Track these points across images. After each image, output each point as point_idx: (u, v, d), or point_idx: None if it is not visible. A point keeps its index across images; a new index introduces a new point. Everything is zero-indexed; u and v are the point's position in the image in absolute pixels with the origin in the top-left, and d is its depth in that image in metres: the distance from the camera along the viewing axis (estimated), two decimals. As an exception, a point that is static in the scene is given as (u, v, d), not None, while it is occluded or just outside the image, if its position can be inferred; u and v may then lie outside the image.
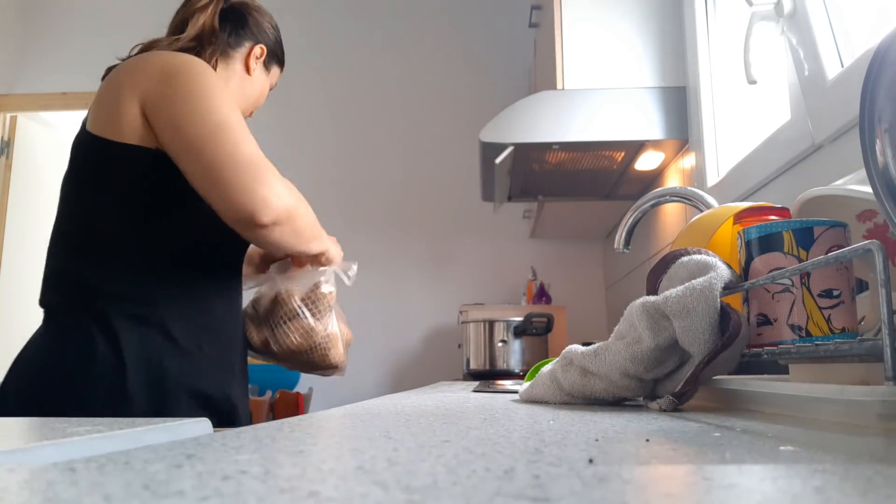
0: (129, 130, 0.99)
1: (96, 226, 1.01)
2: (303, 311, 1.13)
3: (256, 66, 1.20)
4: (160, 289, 1.02)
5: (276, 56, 1.25)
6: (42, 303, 1.05)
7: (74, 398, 0.94)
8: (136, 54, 1.11)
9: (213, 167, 0.93)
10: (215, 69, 1.12)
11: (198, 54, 1.10)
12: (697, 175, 1.64)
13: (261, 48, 1.20)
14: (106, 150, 1.00)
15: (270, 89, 1.27)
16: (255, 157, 0.95)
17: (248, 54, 1.18)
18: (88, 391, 0.95)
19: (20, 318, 3.42)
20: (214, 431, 0.44)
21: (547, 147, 1.72)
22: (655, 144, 1.72)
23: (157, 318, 1.00)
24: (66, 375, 0.96)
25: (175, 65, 1.00)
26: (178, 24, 1.15)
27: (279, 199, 0.94)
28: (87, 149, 1.04)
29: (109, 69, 1.13)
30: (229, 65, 1.16)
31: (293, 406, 2.58)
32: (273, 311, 1.14)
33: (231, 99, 1.00)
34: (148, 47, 1.14)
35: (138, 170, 1.00)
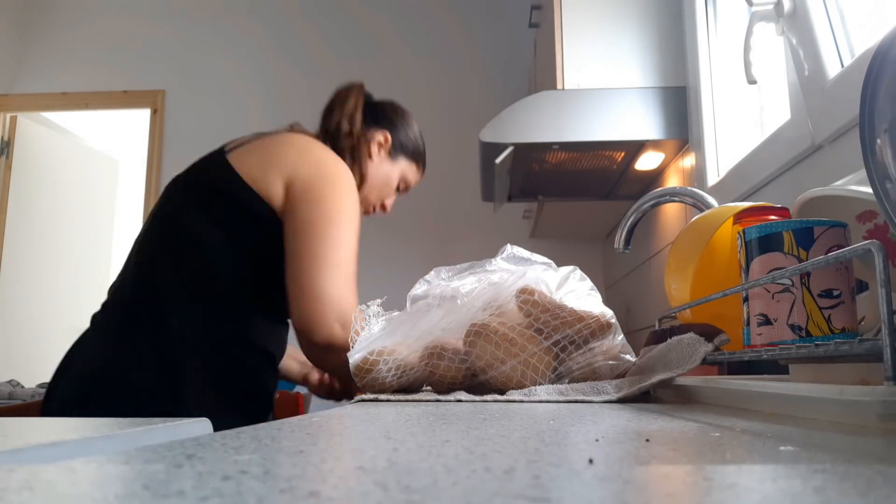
0: (272, 195, 1.08)
1: (213, 264, 1.08)
2: None
3: (379, 152, 1.27)
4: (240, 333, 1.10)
5: (405, 149, 1.31)
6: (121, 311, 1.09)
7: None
8: (300, 130, 1.23)
9: (305, 277, 1.04)
10: (344, 157, 1.21)
11: (336, 145, 1.22)
12: (697, 175, 1.64)
13: (384, 135, 1.27)
14: (250, 196, 1.08)
15: (404, 187, 1.33)
16: (343, 284, 1.06)
17: (372, 140, 1.26)
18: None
19: (20, 317, 3.41)
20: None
21: (547, 147, 1.72)
22: (655, 144, 1.72)
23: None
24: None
25: (328, 165, 1.12)
26: (326, 113, 1.27)
27: (340, 332, 1.04)
28: (227, 182, 1.10)
29: (292, 126, 1.26)
30: (357, 151, 1.25)
31: (293, 406, 2.58)
32: None
33: (357, 219, 1.11)
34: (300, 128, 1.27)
35: (266, 226, 1.09)
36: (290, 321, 1.15)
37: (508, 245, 0.98)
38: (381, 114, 1.29)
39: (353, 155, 1.23)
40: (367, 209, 1.31)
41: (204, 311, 1.06)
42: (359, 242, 1.12)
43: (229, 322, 1.07)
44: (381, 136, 1.27)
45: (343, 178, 1.12)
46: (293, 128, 1.25)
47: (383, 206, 1.33)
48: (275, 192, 1.08)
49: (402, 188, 1.34)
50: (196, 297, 1.06)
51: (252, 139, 1.17)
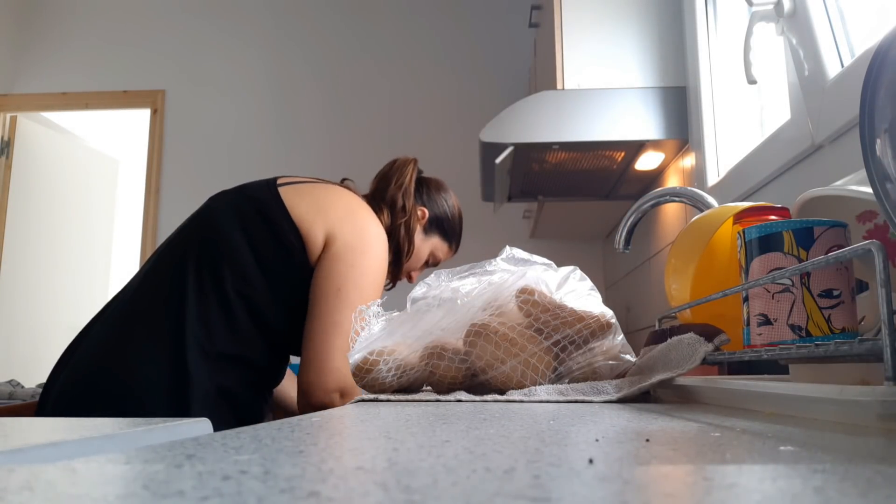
0: (314, 239, 1.11)
1: (242, 285, 1.09)
2: None
3: (415, 227, 1.29)
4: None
5: (440, 227, 1.34)
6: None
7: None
8: (351, 189, 1.25)
9: (321, 340, 1.07)
10: (399, 230, 1.26)
11: (386, 215, 1.24)
12: (697, 175, 1.63)
13: (422, 211, 1.30)
14: (297, 238, 1.10)
15: (433, 262, 1.37)
16: (345, 352, 1.03)
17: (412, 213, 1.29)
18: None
19: (20, 317, 3.41)
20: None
21: (547, 147, 1.72)
22: (655, 144, 1.72)
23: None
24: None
25: (370, 236, 1.14)
26: (381, 181, 1.30)
27: (338, 400, 1.06)
28: (278, 216, 1.12)
29: (343, 181, 1.28)
30: (410, 227, 1.27)
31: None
32: None
33: (378, 294, 1.13)
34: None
35: (298, 266, 1.11)
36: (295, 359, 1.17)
37: (507, 247, 0.98)
38: (425, 189, 1.33)
39: (406, 229, 1.26)
40: (393, 279, 1.34)
41: (220, 323, 1.07)
42: None
43: (241, 341, 1.08)
44: (419, 212, 1.30)
45: (381, 251, 1.15)
46: (344, 183, 1.28)
47: (409, 278, 1.37)
48: (315, 239, 1.10)
49: (431, 263, 1.37)
50: (217, 308, 1.07)
51: (305, 180, 1.19)
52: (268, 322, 1.10)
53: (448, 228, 1.36)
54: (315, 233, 1.10)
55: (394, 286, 1.35)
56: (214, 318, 1.06)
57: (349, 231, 1.11)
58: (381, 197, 1.26)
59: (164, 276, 1.10)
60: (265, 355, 1.12)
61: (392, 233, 1.24)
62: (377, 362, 0.85)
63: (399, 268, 1.29)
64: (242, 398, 1.10)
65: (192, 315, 1.05)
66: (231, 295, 1.07)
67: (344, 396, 1.07)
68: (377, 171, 1.35)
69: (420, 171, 1.34)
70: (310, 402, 1.08)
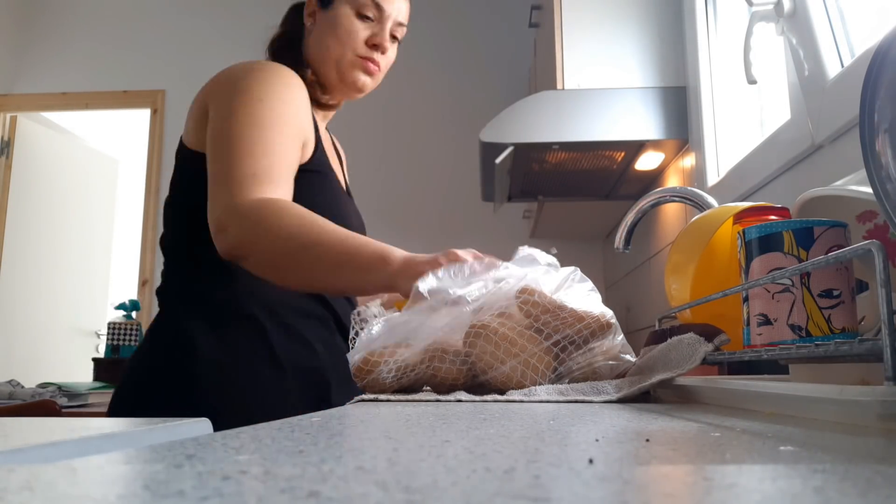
0: (196, 138, 1.00)
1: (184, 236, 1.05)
2: None
3: (314, 18, 1.12)
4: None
5: None
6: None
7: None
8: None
9: (211, 174, 0.93)
10: (301, 50, 1.11)
11: (292, 47, 1.12)
12: (697, 175, 1.64)
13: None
14: (190, 159, 1.02)
15: (376, 14, 1.09)
16: (230, 177, 0.90)
17: (305, 16, 1.14)
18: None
19: (20, 317, 3.41)
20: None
21: (547, 147, 1.72)
22: (655, 144, 1.72)
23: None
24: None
25: (232, 72, 1.01)
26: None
27: (230, 224, 0.88)
28: (179, 160, 1.07)
29: None
30: (305, 38, 1.14)
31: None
32: None
33: (265, 105, 0.95)
34: None
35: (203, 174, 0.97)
36: None
37: (521, 247, 0.96)
38: None
39: (295, 47, 1.12)
40: (358, 67, 1.10)
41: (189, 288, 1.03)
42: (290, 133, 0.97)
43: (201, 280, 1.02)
44: (308, 5, 1.13)
45: (246, 71, 0.99)
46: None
47: (373, 47, 1.09)
48: (200, 126, 1.00)
49: (376, 15, 1.09)
50: (177, 286, 1.05)
51: None
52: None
53: None
54: (203, 134, 0.99)
55: (374, 62, 1.12)
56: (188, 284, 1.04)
57: (214, 86, 1.01)
58: (274, 50, 1.15)
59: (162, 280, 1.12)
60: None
61: (300, 46, 1.12)
62: (377, 363, 0.85)
63: (343, 50, 1.09)
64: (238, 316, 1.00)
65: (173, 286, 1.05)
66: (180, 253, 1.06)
67: (231, 216, 0.88)
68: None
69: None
70: (221, 251, 0.90)
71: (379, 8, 1.09)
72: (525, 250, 0.95)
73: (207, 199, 0.92)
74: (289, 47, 1.14)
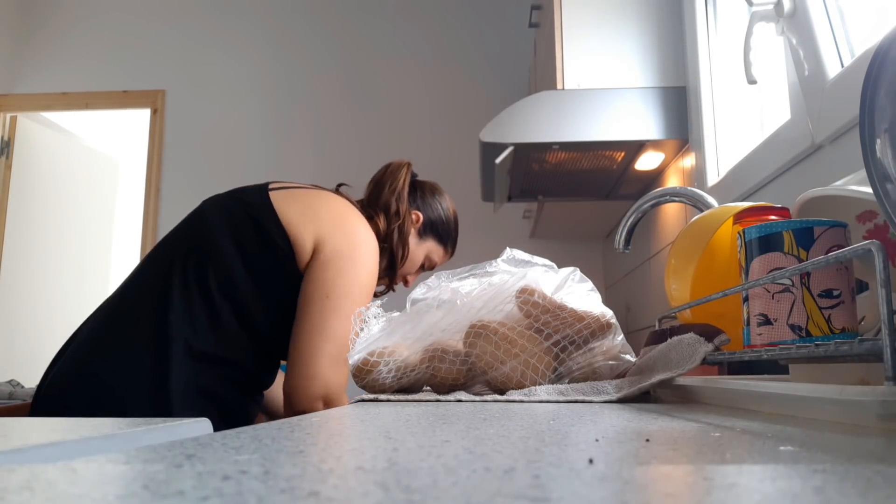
0: (303, 244, 1.10)
1: (227, 289, 1.09)
2: None
3: (409, 231, 1.29)
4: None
5: (435, 231, 1.34)
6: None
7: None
8: (344, 195, 1.23)
9: (308, 344, 1.06)
10: (393, 235, 1.25)
11: (380, 221, 1.24)
12: (697, 175, 1.63)
13: (416, 215, 1.30)
14: (285, 243, 1.09)
15: (429, 266, 1.36)
16: (336, 360, 1.06)
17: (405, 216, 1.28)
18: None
19: (20, 317, 3.41)
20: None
21: (547, 147, 1.72)
22: (655, 144, 1.72)
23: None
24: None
25: (360, 242, 1.13)
26: (374, 186, 1.29)
27: (321, 408, 1.06)
28: (262, 216, 1.12)
29: (338, 187, 1.28)
30: (404, 231, 1.27)
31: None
32: None
33: (368, 299, 1.11)
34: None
35: (286, 272, 1.10)
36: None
37: (508, 248, 0.98)
38: (419, 192, 1.33)
39: (401, 233, 1.26)
40: (389, 284, 1.34)
41: (205, 323, 1.06)
42: None
43: (226, 343, 1.08)
44: (414, 216, 1.30)
45: (371, 257, 1.14)
46: (339, 189, 1.27)
47: (406, 282, 1.35)
48: (304, 244, 1.10)
49: (427, 266, 1.36)
50: (202, 309, 1.06)
51: (297, 186, 1.19)
52: (255, 325, 1.10)
53: (443, 232, 1.35)
54: (304, 238, 1.10)
55: (391, 290, 1.35)
56: (199, 318, 1.06)
57: (339, 237, 1.11)
58: (375, 202, 1.26)
59: (152, 278, 1.10)
60: (252, 358, 1.12)
61: (386, 238, 1.24)
62: (377, 363, 0.85)
63: (394, 272, 1.29)
64: (227, 399, 1.10)
65: (178, 315, 1.05)
66: (216, 297, 1.07)
67: (328, 404, 1.07)
68: (376, 170, 1.35)
69: (414, 175, 1.34)
70: (293, 407, 1.07)
71: (431, 268, 1.36)
72: (510, 252, 0.96)
73: (299, 347, 1.07)
74: (398, 230, 1.26)
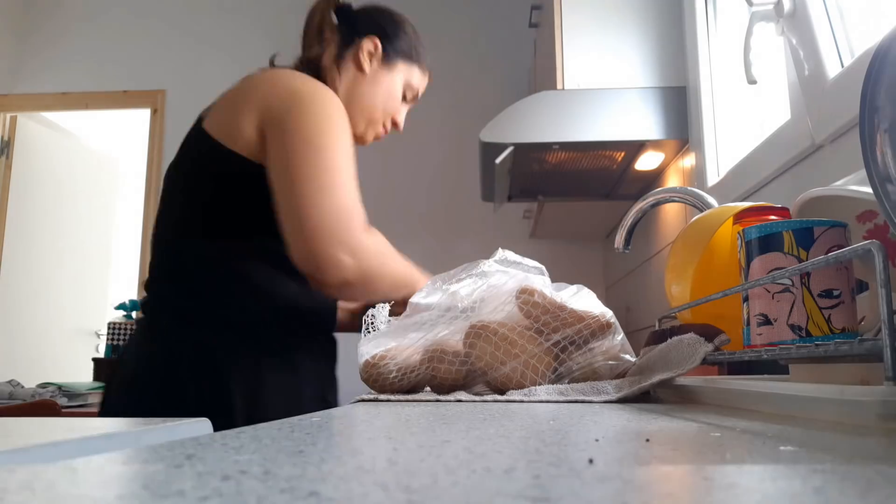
0: (244, 142, 0.97)
1: (187, 230, 1.01)
2: None
3: (371, 63, 1.12)
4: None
5: (400, 51, 1.14)
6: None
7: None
8: (274, 66, 1.10)
9: (296, 211, 0.91)
10: (334, 79, 1.09)
11: (318, 70, 1.08)
12: (697, 175, 1.64)
13: (373, 42, 1.12)
14: (217, 153, 0.98)
15: (412, 96, 1.18)
16: (341, 209, 0.92)
17: (358, 51, 1.11)
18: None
19: (20, 317, 3.41)
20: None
21: (547, 147, 1.72)
22: (655, 144, 1.72)
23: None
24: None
25: (301, 91, 0.97)
26: (302, 41, 1.14)
27: (351, 263, 0.91)
28: (200, 149, 1.02)
29: (272, 60, 1.14)
30: (343, 70, 1.12)
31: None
32: None
33: (345, 140, 0.97)
34: (273, 62, 1.14)
35: (243, 181, 0.97)
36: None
37: (500, 249, 0.98)
38: (365, 20, 1.14)
39: (339, 71, 1.09)
40: (377, 131, 1.17)
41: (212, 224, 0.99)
42: (355, 164, 1.00)
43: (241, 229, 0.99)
44: (369, 45, 1.12)
45: (322, 98, 0.97)
46: (272, 61, 1.13)
47: (395, 123, 1.18)
48: (246, 138, 0.96)
49: (410, 97, 1.18)
50: (186, 287, 1.01)
51: (223, 93, 1.05)
52: (244, 221, 0.99)
53: (410, 49, 1.16)
54: (245, 134, 0.96)
55: (386, 133, 1.20)
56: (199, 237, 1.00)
57: (277, 102, 0.96)
58: (309, 57, 1.11)
59: (151, 273, 1.07)
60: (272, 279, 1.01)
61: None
62: (384, 356, 0.85)
63: (379, 114, 1.14)
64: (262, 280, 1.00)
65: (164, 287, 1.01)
66: (203, 262, 0.99)
67: (355, 256, 0.91)
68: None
69: (345, 5, 1.16)
70: (323, 281, 0.92)
71: (416, 98, 1.19)
72: (502, 253, 0.96)
73: (291, 217, 0.92)
74: (336, 67, 1.11)
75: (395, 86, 1.15)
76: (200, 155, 1.01)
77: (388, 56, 1.13)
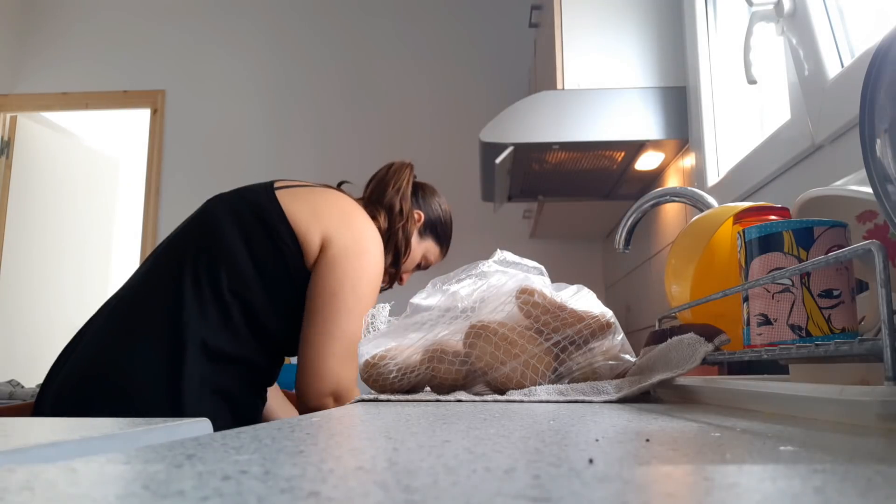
0: (310, 243, 1.11)
1: (238, 285, 1.10)
2: None
3: (412, 231, 1.31)
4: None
5: (434, 230, 1.37)
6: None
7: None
8: (347, 193, 1.25)
9: (312, 339, 1.09)
10: (381, 225, 1.25)
11: (383, 220, 1.26)
12: (697, 175, 1.63)
13: (418, 214, 1.33)
14: (284, 228, 1.11)
15: (425, 265, 1.39)
16: (349, 379, 1.10)
17: (409, 216, 1.31)
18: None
19: (20, 317, 3.41)
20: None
21: (547, 147, 1.72)
22: (655, 144, 1.72)
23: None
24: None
25: (366, 241, 1.15)
26: (377, 185, 1.30)
27: (332, 404, 1.09)
28: (269, 215, 1.11)
29: (340, 184, 1.32)
30: (407, 231, 1.29)
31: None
32: None
33: (375, 298, 1.14)
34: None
35: (294, 269, 1.12)
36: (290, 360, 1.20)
37: (499, 250, 0.99)
38: (420, 193, 1.35)
39: (404, 232, 1.28)
40: (390, 281, 1.35)
41: (218, 324, 1.07)
42: None
43: (239, 342, 1.09)
44: (416, 215, 1.32)
45: (377, 255, 1.16)
46: (341, 186, 1.29)
47: (401, 280, 1.37)
48: (311, 242, 1.11)
49: (423, 265, 1.39)
50: (214, 309, 1.07)
51: (301, 184, 1.20)
52: (264, 324, 1.10)
53: (441, 232, 1.38)
54: (311, 236, 1.11)
55: (390, 287, 1.37)
56: (212, 318, 1.06)
57: (346, 235, 1.12)
58: (378, 200, 1.27)
59: (163, 277, 1.10)
60: (262, 356, 1.13)
61: (390, 236, 1.26)
62: (384, 356, 0.85)
63: (397, 270, 1.31)
64: (240, 398, 1.11)
65: (191, 315, 1.05)
66: (228, 297, 1.08)
67: (338, 400, 1.09)
68: (377, 169, 1.35)
69: (414, 176, 1.36)
70: (306, 405, 1.09)
71: (427, 267, 1.40)
72: (500, 254, 0.97)
73: (307, 356, 1.09)
74: (402, 229, 1.28)
75: (417, 253, 1.35)
76: (269, 220, 1.12)
77: (425, 230, 1.35)
